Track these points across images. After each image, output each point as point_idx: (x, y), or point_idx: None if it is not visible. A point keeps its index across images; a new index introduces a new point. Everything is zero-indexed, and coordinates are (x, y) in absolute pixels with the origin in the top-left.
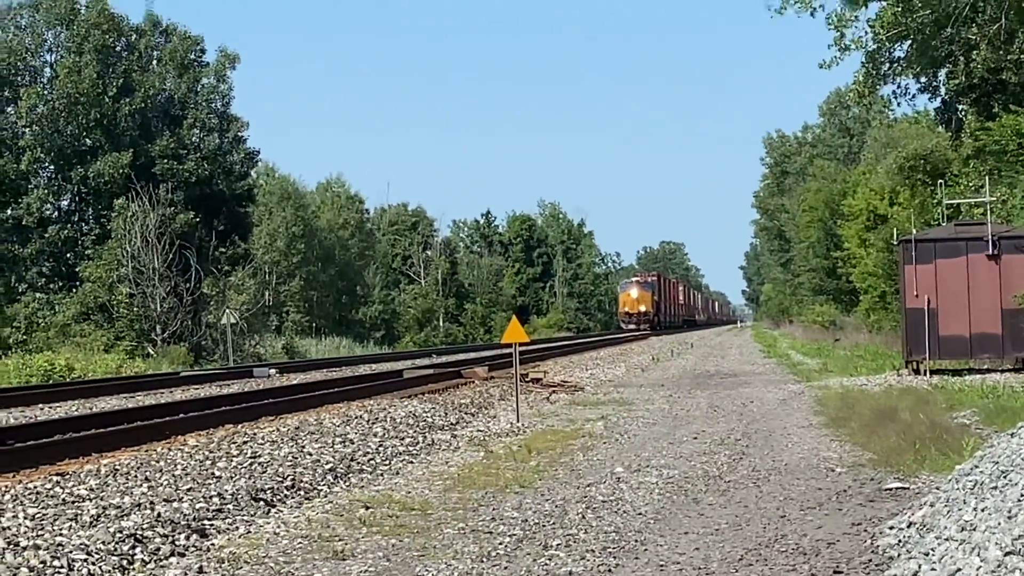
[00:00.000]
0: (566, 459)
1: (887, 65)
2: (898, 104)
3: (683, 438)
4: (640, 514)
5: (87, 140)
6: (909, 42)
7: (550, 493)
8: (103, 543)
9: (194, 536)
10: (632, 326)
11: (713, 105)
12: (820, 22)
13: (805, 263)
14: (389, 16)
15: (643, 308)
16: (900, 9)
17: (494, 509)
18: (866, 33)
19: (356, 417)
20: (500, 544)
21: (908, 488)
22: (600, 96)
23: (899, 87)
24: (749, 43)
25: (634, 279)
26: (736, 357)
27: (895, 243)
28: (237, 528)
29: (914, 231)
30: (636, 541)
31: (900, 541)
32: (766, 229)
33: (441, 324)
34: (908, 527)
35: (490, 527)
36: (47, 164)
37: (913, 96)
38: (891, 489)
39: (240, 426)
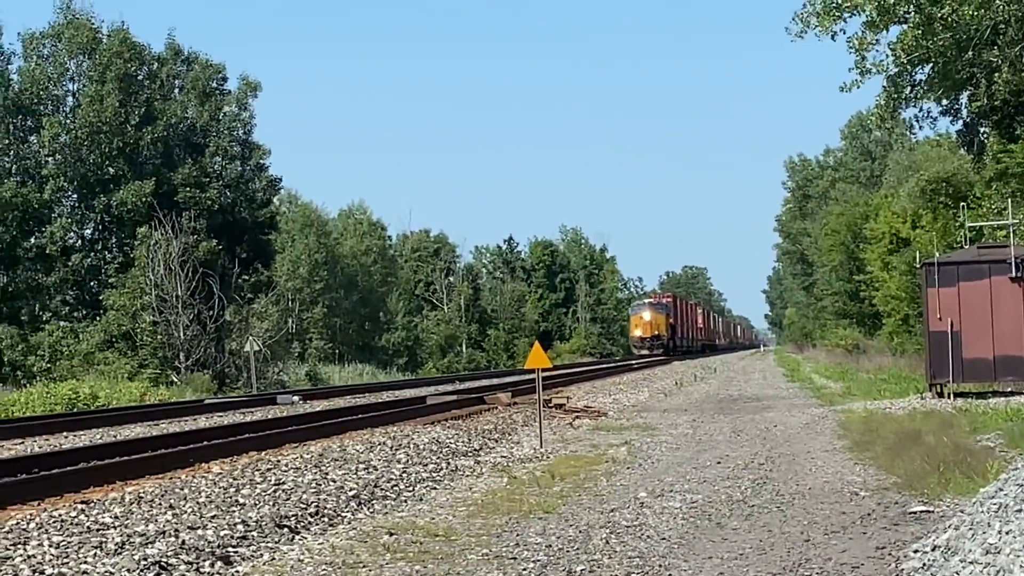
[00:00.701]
0: (590, 484)
1: (908, 88)
2: (920, 127)
3: (707, 463)
4: (664, 539)
5: (110, 169)
6: (931, 65)
7: (574, 518)
8: (128, 571)
9: (218, 563)
10: (644, 351)
11: (734, 129)
12: (841, 45)
13: (828, 287)
14: (410, 43)
15: (657, 332)
16: (921, 32)
17: (518, 535)
18: (887, 56)
19: (380, 443)
20: (524, 570)
21: (932, 511)
22: (621, 121)
23: (921, 110)
24: (771, 67)
25: (646, 300)
26: (759, 381)
27: (918, 266)
28: (261, 555)
29: (937, 254)
30: (660, 566)
31: (925, 565)
32: (788, 253)
33: (464, 350)
34: (933, 550)
35: (514, 553)
36: (70, 193)
37: (935, 119)
38: (915, 512)
39: (264, 453)
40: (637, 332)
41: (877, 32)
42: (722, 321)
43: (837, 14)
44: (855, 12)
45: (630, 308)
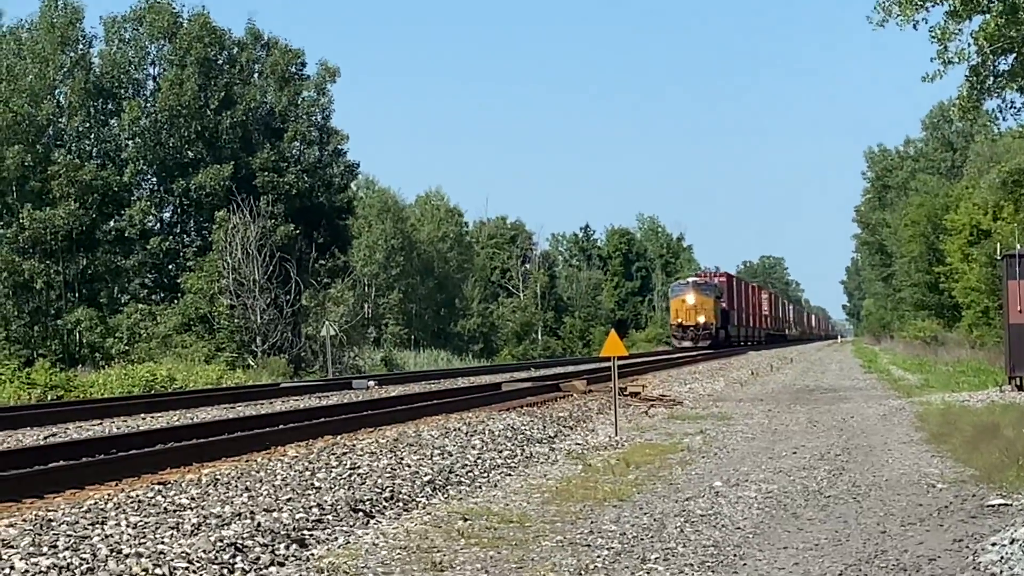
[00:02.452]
0: (664, 473)
1: (991, 79)
2: (1002, 118)
3: (782, 453)
4: (739, 528)
5: (189, 152)
6: (1014, 55)
7: (648, 507)
8: (204, 552)
9: (294, 546)
10: (687, 343)
11: (814, 118)
12: (923, 35)
13: (907, 278)
14: (488, 31)
15: (702, 319)
16: (1004, 21)
17: (592, 522)
18: (969, 46)
19: (455, 429)
20: (598, 557)
21: (1011, 504)
22: (699, 109)
23: (1003, 100)
24: (851, 56)
25: (690, 279)
26: (836, 372)
27: (998, 258)
28: (336, 539)
29: (1018, 246)
30: (735, 556)
31: (1002, 558)
32: (867, 244)
33: (539, 337)
34: (1011, 543)
35: (588, 540)
36: (149, 176)
37: (1018, 110)
38: (993, 505)
39: (339, 437)
40: (678, 320)
41: (959, 21)
42: (794, 309)
43: (919, 3)
44: (937, 1)
45: (669, 289)
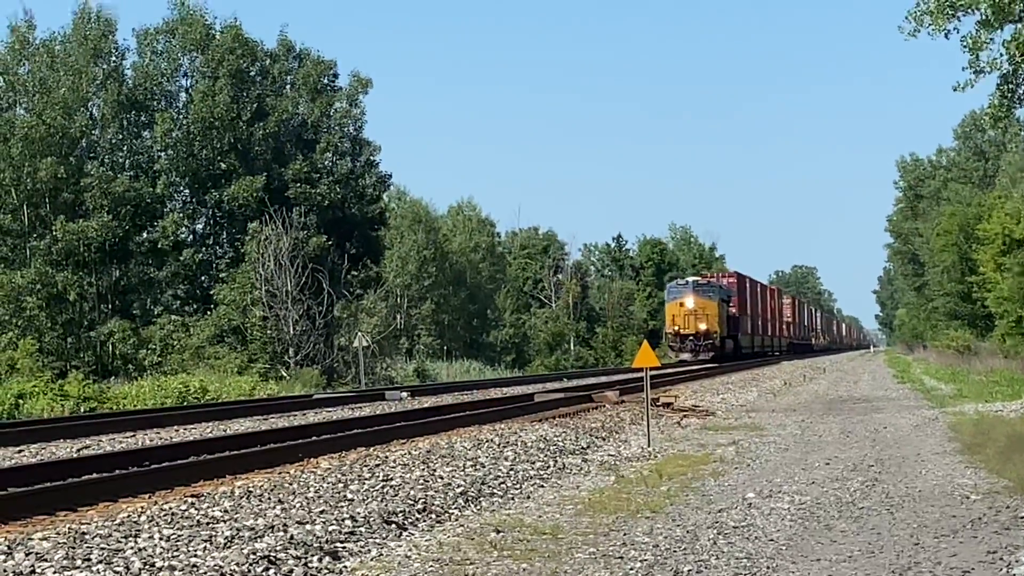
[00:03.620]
0: (697, 484)
1: (1023, 87)
2: None
3: (815, 464)
4: (772, 540)
5: (221, 164)
6: None
7: (681, 518)
8: (237, 564)
9: (327, 559)
10: (686, 355)
11: (846, 128)
12: (955, 44)
13: (939, 287)
14: (519, 41)
15: (703, 326)
16: None
17: (625, 534)
18: (1001, 55)
19: (487, 440)
20: (631, 569)
21: None
22: (732, 119)
23: None
24: (883, 66)
25: (689, 279)
26: (868, 382)
27: None
28: (369, 551)
29: None
30: (768, 568)
31: None
32: (900, 253)
33: (572, 347)
34: None
35: (621, 552)
36: (182, 188)
37: None
38: None
39: (372, 449)
40: (675, 327)
41: (992, 31)
42: (822, 316)
43: (951, 12)
44: (969, 11)
45: (665, 292)
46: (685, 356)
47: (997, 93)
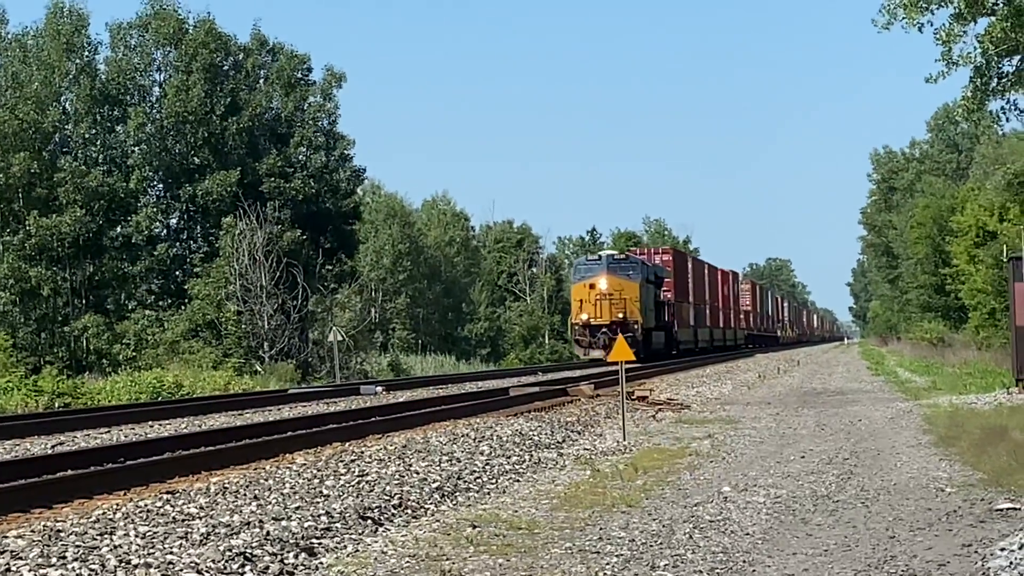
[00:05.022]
0: (673, 478)
1: (996, 80)
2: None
3: (790, 457)
4: (748, 534)
5: (195, 159)
6: (1019, 57)
7: (657, 512)
8: (213, 561)
9: (303, 555)
10: (597, 352)
11: (820, 120)
12: (928, 37)
13: (913, 280)
14: (493, 35)
15: (620, 314)
16: (1009, 24)
17: (601, 528)
18: (975, 48)
19: (463, 435)
20: (607, 564)
21: (1020, 509)
22: (705, 111)
23: (1008, 102)
24: (856, 58)
25: (603, 254)
26: (843, 374)
27: (1005, 260)
28: (345, 547)
29: None
30: (744, 562)
31: (1012, 563)
32: (873, 246)
33: (547, 341)
34: (1020, 549)
35: (597, 547)
36: (156, 182)
37: (1022, 111)
38: (1002, 510)
39: (348, 444)
40: (582, 316)
41: (965, 24)
42: (789, 307)
43: (924, 6)
44: (943, 4)
45: (571, 270)
46: (596, 354)
47: (970, 86)
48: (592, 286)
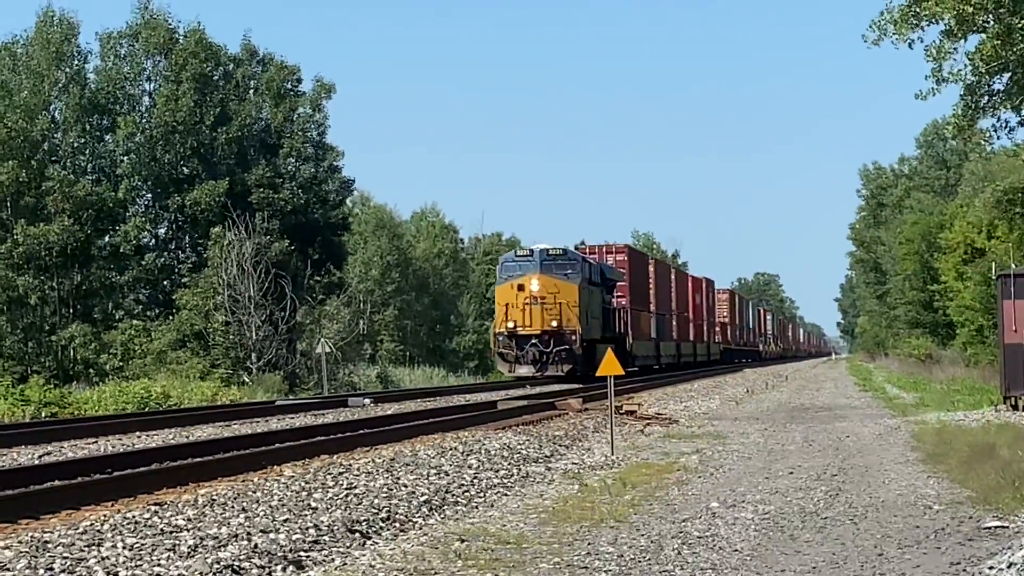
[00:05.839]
0: (661, 493)
1: (986, 98)
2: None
3: (779, 473)
4: (736, 551)
5: (184, 168)
6: (1009, 75)
7: (645, 528)
8: (201, 574)
9: (291, 568)
10: (525, 368)
11: (809, 136)
12: (918, 53)
13: (901, 296)
14: (482, 47)
15: (554, 322)
16: (1000, 42)
17: (589, 543)
18: (965, 66)
19: (451, 448)
20: None
21: (1008, 527)
22: (693, 125)
23: (998, 120)
24: (846, 74)
25: (536, 248)
26: (831, 390)
27: (993, 277)
28: (333, 560)
29: (1013, 266)
30: None
31: None
32: (862, 261)
33: None
34: (1008, 567)
35: (585, 562)
36: (144, 192)
37: (1012, 129)
38: (990, 528)
39: (336, 456)
40: (508, 323)
41: (955, 41)
42: (773, 320)
43: (915, 22)
44: (933, 21)
45: (497, 269)
46: (524, 371)
47: (961, 104)
48: (521, 287)
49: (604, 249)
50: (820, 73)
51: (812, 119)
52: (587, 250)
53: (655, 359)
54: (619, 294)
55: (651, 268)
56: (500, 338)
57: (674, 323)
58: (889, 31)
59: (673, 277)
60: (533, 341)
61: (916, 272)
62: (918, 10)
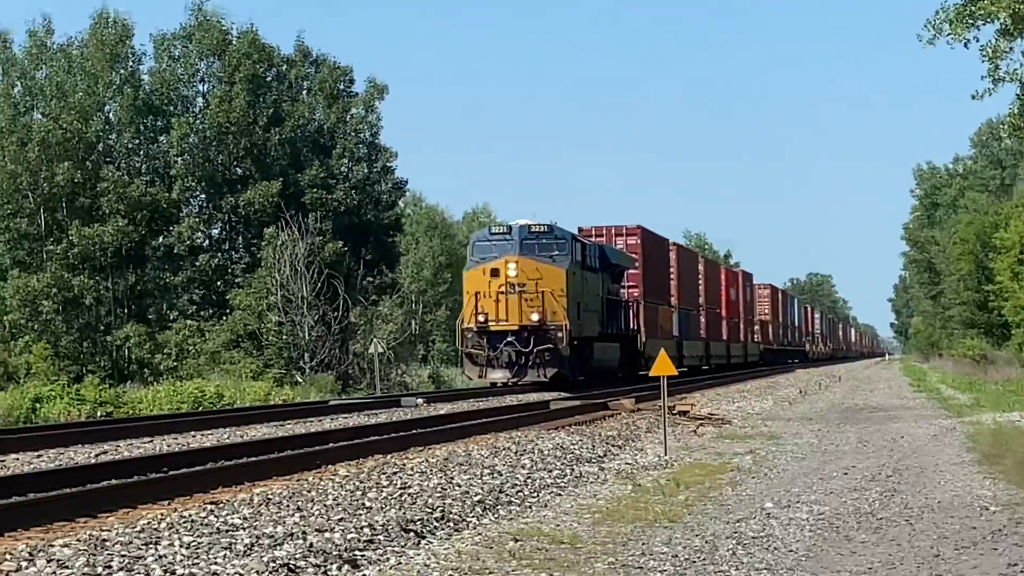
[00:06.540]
0: (715, 493)
1: None
2: None
3: (833, 473)
4: (791, 551)
5: (237, 169)
6: None
7: (699, 528)
8: (257, 572)
9: (346, 567)
10: (499, 373)
11: (863, 135)
12: (973, 53)
13: (956, 296)
14: (535, 48)
15: (536, 315)
16: None
17: (643, 544)
18: (1021, 65)
19: (504, 448)
20: None
21: None
22: (749, 127)
23: None
24: (900, 73)
25: (516, 225)
26: (884, 391)
27: None
28: (388, 559)
29: None
30: None
31: None
32: (916, 261)
33: None
34: None
35: (640, 562)
36: (198, 193)
37: None
38: None
39: (389, 456)
40: (480, 315)
41: (1011, 40)
42: (822, 318)
43: (970, 21)
44: (989, 20)
45: (468, 249)
46: (496, 376)
47: (1017, 103)
48: (494, 273)
49: (613, 231)
50: (874, 72)
51: (866, 119)
52: (591, 232)
53: (677, 361)
54: (630, 284)
55: (673, 255)
56: (468, 335)
57: (702, 320)
58: (944, 30)
59: (702, 268)
60: (509, 339)
61: (971, 272)
62: (973, 9)
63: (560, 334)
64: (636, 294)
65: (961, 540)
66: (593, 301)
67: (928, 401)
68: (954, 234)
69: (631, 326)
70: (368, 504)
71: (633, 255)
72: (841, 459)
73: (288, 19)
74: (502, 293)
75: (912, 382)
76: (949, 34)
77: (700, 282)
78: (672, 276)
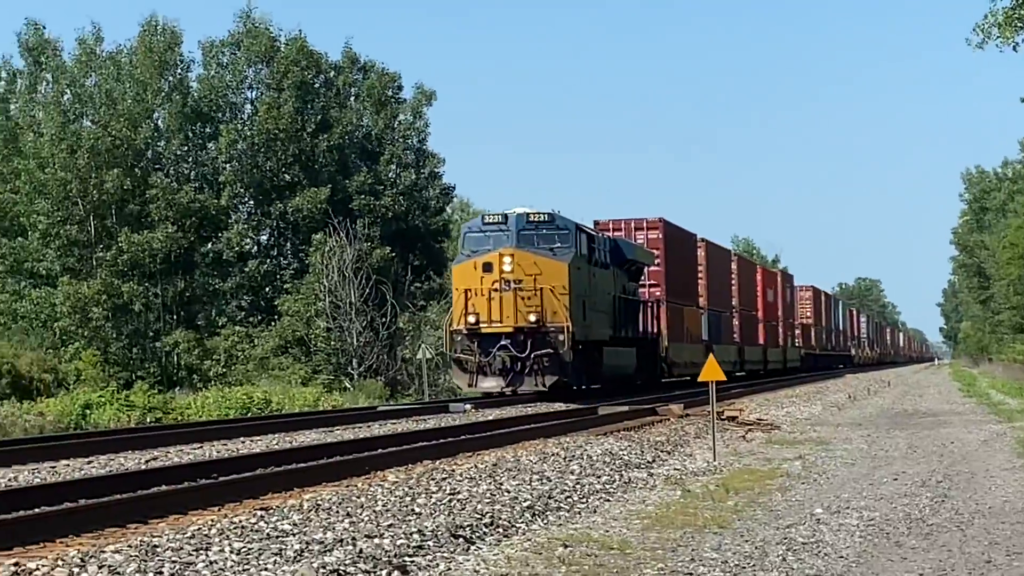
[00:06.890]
0: (764, 499)
1: None
2: None
3: (883, 479)
4: (841, 557)
5: (286, 175)
6: None
7: (749, 534)
8: None
9: (396, 573)
10: (491, 381)
11: (911, 140)
12: (1022, 56)
13: (1006, 301)
14: (585, 55)
15: (533, 315)
16: None
17: (693, 550)
18: None
19: (552, 454)
20: None
21: None
22: (798, 131)
23: None
24: (949, 76)
25: (512, 214)
26: (934, 396)
27: None
28: (438, 565)
29: None
30: None
31: None
32: (965, 266)
33: None
34: None
35: (690, 568)
36: (246, 199)
37: None
38: None
39: (438, 462)
40: (469, 319)
41: None
42: (869, 323)
43: (1019, 25)
44: None
45: (459, 242)
46: (488, 384)
47: None
48: (487, 267)
49: (632, 224)
50: (923, 76)
51: (915, 123)
52: (607, 225)
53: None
54: (651, 282)
55: (701, 252)
56: (457, 338)
57: (735, 323)
58: (993, 34)
59: (735, 267)
60: (503, 342)
61: (1020, 277)
62: (1022, 13)
63: (561, 337)
64: (658, 294)
65: (1013, 546)
66: (603, 300)
67: (978, 406)
68: (1003, 238)
69: (651, 329)
70: (417, 510)
71: (654, 251)
72: (891, 464)
73: (336, 26)
74: (495, 291)
75: (961, 387)
76: (998, 38)
77: (733, 282)
78: (700, 275)
